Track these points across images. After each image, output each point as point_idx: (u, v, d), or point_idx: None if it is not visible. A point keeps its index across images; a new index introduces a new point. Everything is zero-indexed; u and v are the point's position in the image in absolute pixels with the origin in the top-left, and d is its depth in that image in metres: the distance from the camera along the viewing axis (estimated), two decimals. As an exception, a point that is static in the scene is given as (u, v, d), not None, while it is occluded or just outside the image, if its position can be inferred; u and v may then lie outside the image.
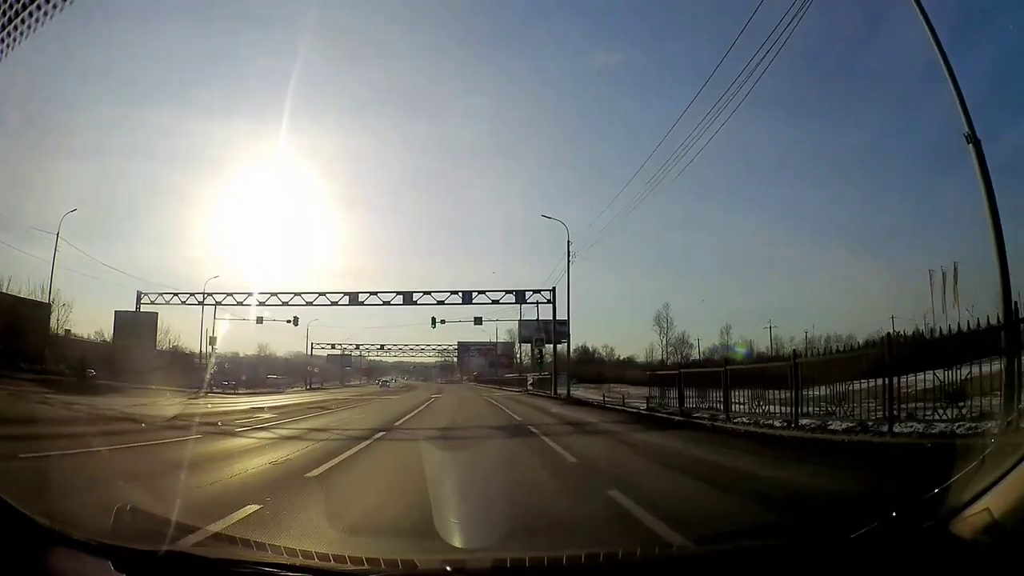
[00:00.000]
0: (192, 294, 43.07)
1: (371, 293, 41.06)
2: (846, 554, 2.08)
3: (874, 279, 70.80)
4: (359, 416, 18.43)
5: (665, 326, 64.62)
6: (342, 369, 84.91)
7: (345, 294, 41.05)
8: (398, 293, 41.14)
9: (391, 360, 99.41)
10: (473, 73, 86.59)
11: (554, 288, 40.03)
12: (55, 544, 2.09)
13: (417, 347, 76.07)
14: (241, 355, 71.81)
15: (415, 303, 40.95)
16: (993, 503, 1.77)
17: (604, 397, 26.57)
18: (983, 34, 42.27)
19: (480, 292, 41.07)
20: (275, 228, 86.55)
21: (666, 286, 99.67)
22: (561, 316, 39.70)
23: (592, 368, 55.05)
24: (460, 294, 40.75)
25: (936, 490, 2.02)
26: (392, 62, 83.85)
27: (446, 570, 2.10)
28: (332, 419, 16.53)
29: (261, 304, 42.00)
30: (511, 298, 41.33)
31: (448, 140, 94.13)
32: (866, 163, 69.46)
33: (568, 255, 34.41)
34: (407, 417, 17.10)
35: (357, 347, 75.63)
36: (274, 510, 4.60)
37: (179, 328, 60.68)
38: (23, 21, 4.56)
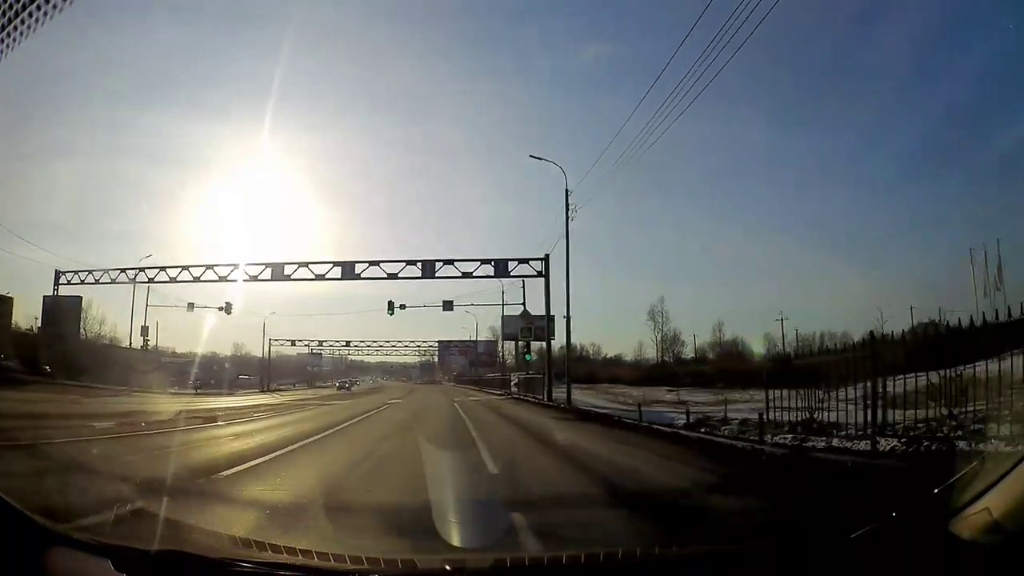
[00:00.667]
0: (105, 271, 34.75)
1: (300, 264, 31.35)
2: (846, 554, 2.08)
3: (864, 279, 69.57)
4: (236, 436, 11.82)
5: (660, 320, 58.04)
6: (312, 369, 78.46)
7: (267, 266, 31.51)
8: (335, 264, 30.84)
9: (374, 360, 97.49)
10: (460, 68, 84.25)
11: (547, 256, 28.85)
12: (55, 544, 2.08)
13: (388, 344, 66.59)
14: (220, 355, 64.86)
15: (358, 276, 30.55)
16: (993, 503, 1.77)
17: (639, 410, 15.50)
18: (981, 30, 42.37)
19: (446, 262, 30.03)
20: (230, 215, 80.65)
21: (654, 284, 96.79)
22: (556, 295, 29.92)
23: (582, 367, 49.70)
24: (419, 265, 29.99)
25: (936, 490, 2.02)
26: (367, 54, 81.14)
27: (446, 569, 2.10)
28: (191, 437, 11.19)
29: (173, 280, 33.00)
30: (489, 269, 30.29)
31: (426, 136, 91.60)
32: (864, 162, 68.41)
33: (567, 208, 24.71)
34: (301, 444, 10.39)
35: (320, 343, 66.73)
36: None
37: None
38: (23, 21, 4.56)
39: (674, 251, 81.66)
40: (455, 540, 3.45)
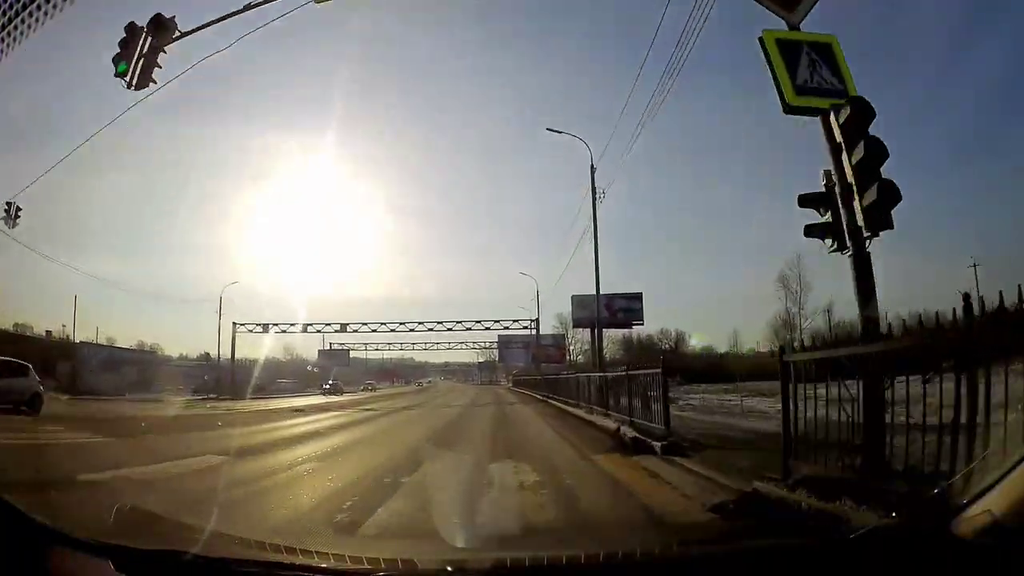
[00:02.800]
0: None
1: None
2: (846, 554, 2.08)
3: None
4: None
5: (798, 288, 42.09)
6: (339, 369, 62.12)
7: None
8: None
9: (440, 359, 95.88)
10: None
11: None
12: (55, 543, 2.09)
13: (409, 323, 49.45)
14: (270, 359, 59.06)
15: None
16: (994, 503, 1.77)
17: None
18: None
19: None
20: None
21: (707, 274, 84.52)
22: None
23: (677, 362, 32.61)
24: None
25: (937, 490, 2.03)
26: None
27: (447, 570, 2.10)
28: None
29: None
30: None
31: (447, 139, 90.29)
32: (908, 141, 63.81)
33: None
34: None
35: (305, 328, 50.18)
36: None
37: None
38: (23, 21, 4.57)
39: (723, 238, 76.54)
40: (456, 541, 3.45)
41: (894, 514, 2.08)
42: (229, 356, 44.75)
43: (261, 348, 53.29)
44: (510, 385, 55.92)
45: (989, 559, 1.75)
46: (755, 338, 49.39)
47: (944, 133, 56.43)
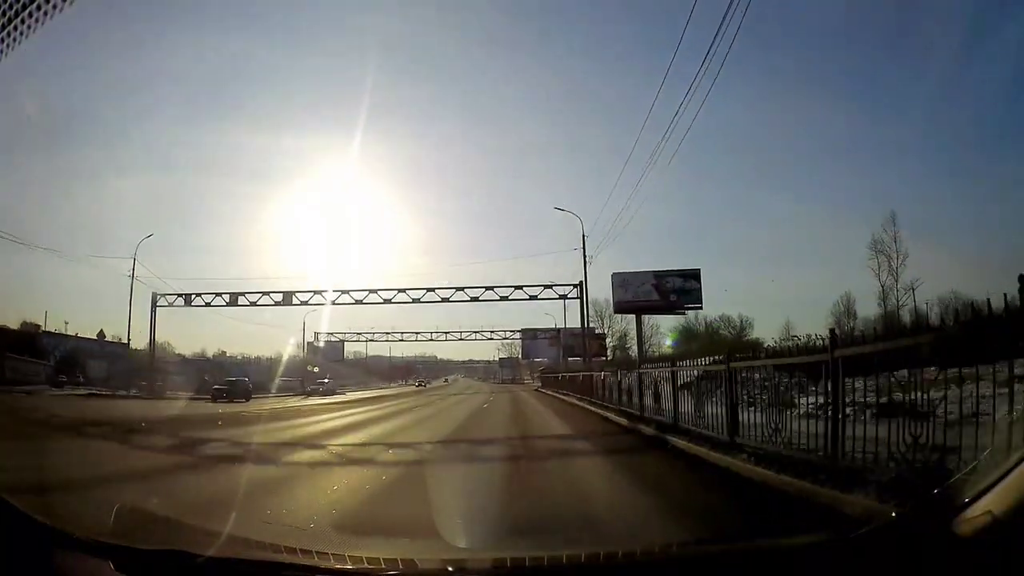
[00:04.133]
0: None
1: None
2: (847, 554, 2.08)
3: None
4: None
5: (895, 252, 36.60)
6: (330, 364, 54.59)
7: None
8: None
9: (462, 358, 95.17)
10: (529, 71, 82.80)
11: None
12: (55, 543, 2.09)
13: (386, 291, 37.36)
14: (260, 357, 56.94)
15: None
16: (994, 503, 1.77)
17: None
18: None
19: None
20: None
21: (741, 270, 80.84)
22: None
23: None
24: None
25: (937, 490, 2.02)
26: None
27: (447, 570, 2.10)
28: None
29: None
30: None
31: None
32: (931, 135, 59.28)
33: None
34: None
35: (234, 300, 38.67)
36: None
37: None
38: (22, 20, 4.57)
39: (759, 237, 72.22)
40: (456, 540, 3.45)
41: (894, 514, 2.07)
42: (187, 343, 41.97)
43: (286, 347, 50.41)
44: (537, 385, 45.52)
45: (989, 559, 1.75)
46: (812, 328, 46.77)
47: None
